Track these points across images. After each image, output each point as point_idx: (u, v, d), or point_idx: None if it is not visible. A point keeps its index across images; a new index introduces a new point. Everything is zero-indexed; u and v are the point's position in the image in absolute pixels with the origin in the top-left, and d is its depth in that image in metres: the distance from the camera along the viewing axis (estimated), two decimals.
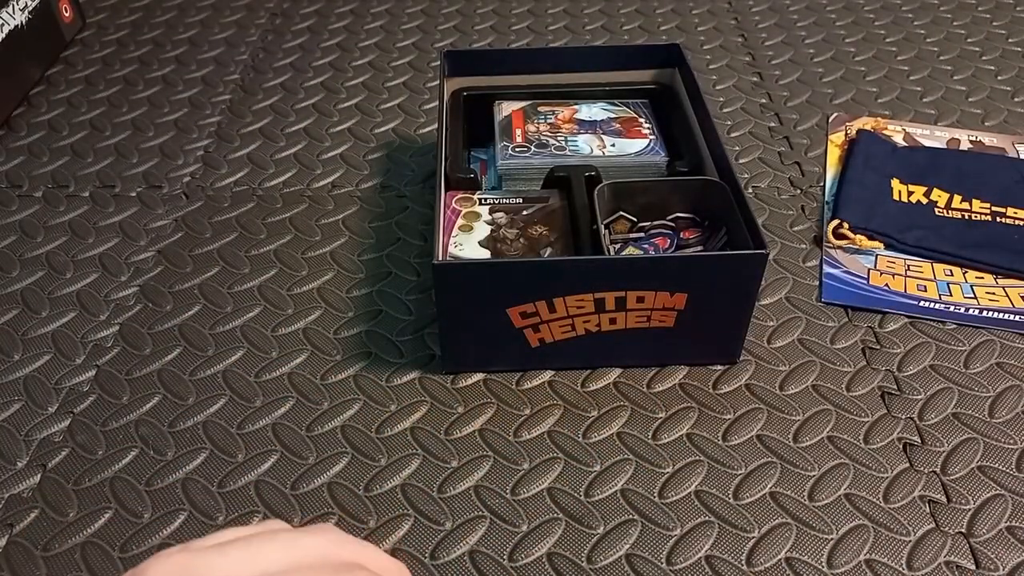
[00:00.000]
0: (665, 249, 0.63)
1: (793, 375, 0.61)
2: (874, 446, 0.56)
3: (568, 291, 0.55)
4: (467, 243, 0.60)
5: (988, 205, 0.73)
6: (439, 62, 0.80)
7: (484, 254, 0.60)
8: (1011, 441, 0.56)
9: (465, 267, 0.55)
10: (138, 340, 0.64)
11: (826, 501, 0.53)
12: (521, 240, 0.61)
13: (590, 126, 0.71)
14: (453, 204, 0.64)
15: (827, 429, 0.57)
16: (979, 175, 0.77)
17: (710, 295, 0.56)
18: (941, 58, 0.95)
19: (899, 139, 0.82)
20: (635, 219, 0.64)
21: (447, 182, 0.66)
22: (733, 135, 0.84)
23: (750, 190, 0.77)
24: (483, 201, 0.64)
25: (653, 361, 0.61)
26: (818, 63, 0.94)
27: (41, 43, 0.93)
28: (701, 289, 0.56)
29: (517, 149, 0.68)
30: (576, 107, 0.73)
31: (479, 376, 0.61)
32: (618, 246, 0.64)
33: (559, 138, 0.69)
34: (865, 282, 0.68)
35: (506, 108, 0.72)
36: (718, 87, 0.91)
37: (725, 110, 0.87)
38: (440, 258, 0.55)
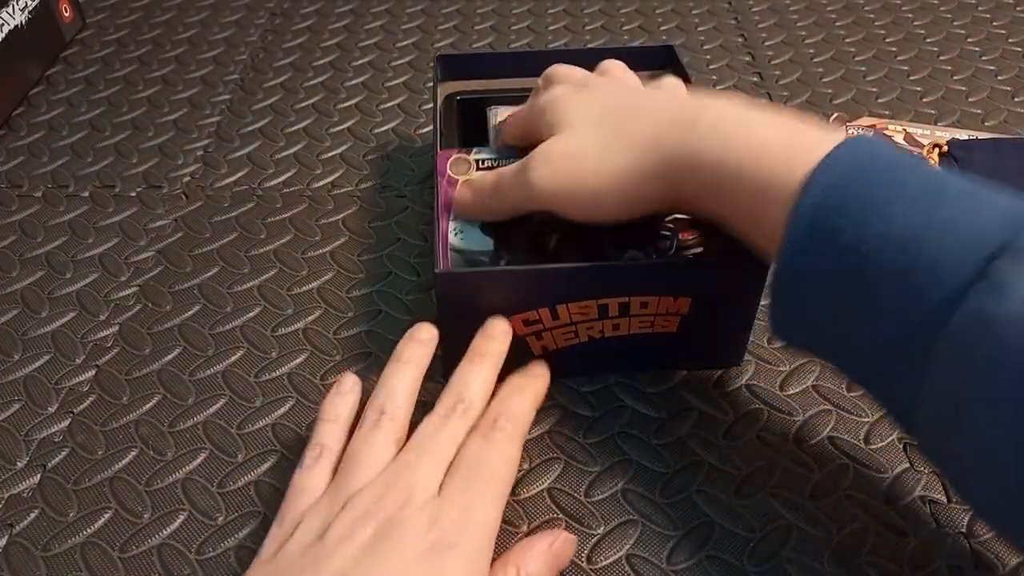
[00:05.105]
0: (664, 250, 0.63)
1: (793, 375, 0.61)
2: (874, 446, 0.56)
3: (571, 298, 0.54)
4: (468, 231, 0.58)
5: None
6: (432, 66, 0.79)
7: (487, 242, 0.58)
8: None
9: (468, 276, 0.55)
10: (138, 340, 0.64)
11: (826, 502, 0.53)
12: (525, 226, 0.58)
13: None
14: (448, 172, 0.61)
15: (827, 429, 0.57)
16: None
17: (713, 298, 0.56)
18: (941, 58, 0.95)
19: (899, 139, 0.82)
20: None
21: None
22: None
23: None
24: (481, 164, 0.62)
25: (656, 366, 0.61)
26: (818, 63, 0.94)
27: (41, 43, 0.93)
28: (704, 293, 0.55)
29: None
30: None
31: None
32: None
33: None
34: None
35: (501, 113, 0.72)
36: (718, 87, 0.91)
37: None
38: (441, 267, 0.54)
